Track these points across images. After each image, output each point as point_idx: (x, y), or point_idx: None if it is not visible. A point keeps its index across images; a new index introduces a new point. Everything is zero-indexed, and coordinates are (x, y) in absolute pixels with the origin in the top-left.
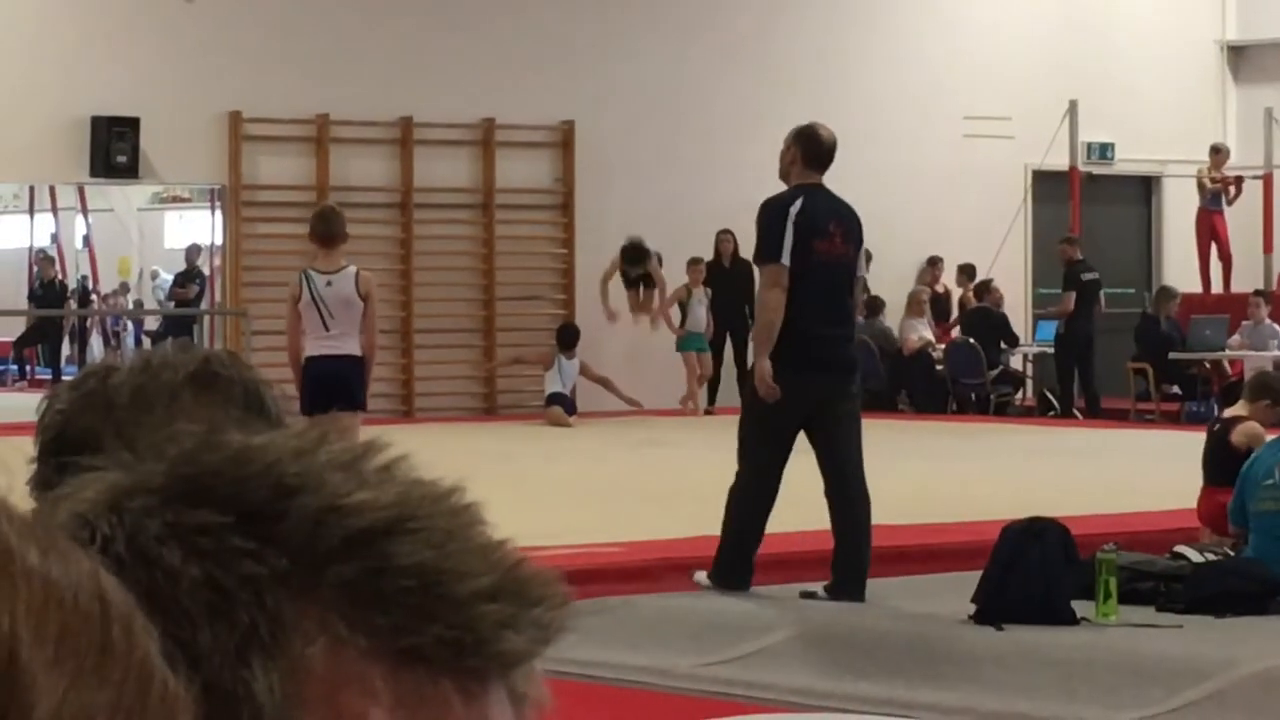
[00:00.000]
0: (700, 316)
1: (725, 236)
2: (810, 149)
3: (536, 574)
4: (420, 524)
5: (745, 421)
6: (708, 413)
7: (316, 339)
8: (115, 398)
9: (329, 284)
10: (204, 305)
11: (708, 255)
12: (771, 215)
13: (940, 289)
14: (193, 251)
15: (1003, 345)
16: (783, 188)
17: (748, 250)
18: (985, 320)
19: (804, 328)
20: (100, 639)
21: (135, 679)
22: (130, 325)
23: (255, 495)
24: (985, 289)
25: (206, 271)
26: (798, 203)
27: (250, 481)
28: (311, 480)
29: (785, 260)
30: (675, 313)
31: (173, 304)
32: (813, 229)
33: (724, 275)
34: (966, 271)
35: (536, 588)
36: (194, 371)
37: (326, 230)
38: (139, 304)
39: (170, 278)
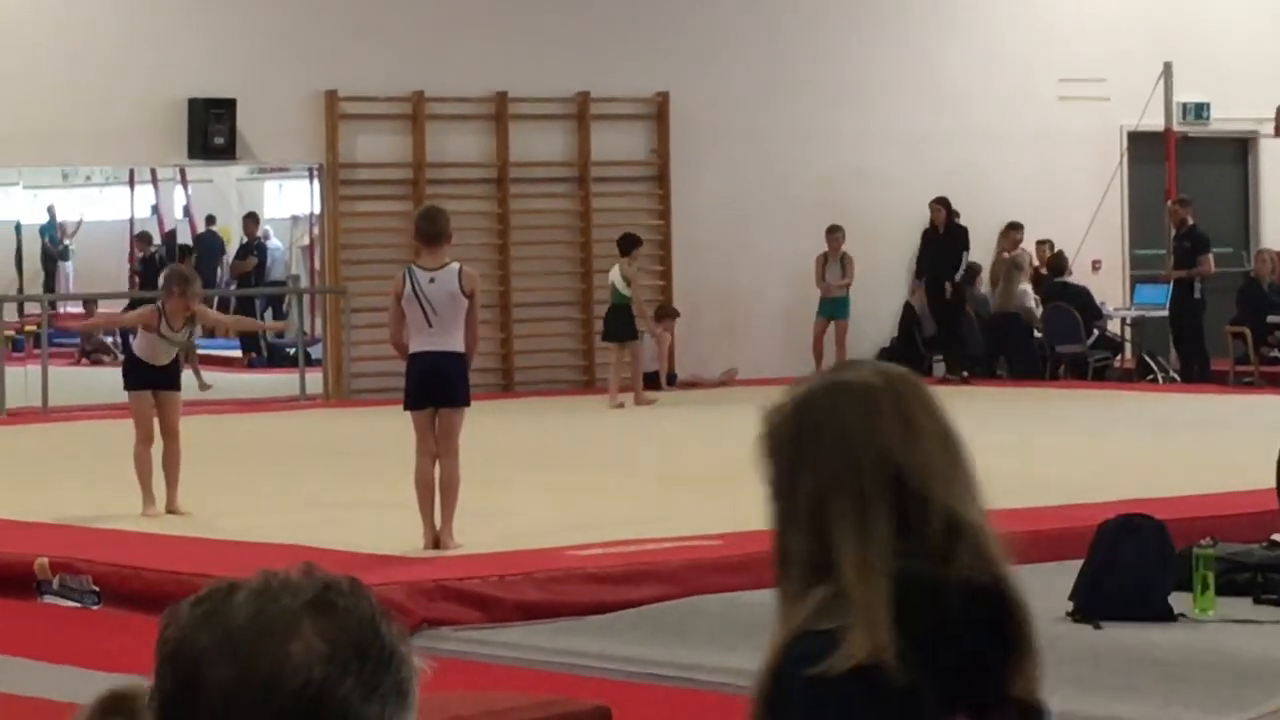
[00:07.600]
0: (833, 282)
1: (937, 206)
2: None
3: None
4: None
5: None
6: None
7: (419, 335)
8: (234, 618)
9: (432, 280)
10: (269, 278)
11: (805, 225)
12: None
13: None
14: (250, 222)
15: (1080, 319)
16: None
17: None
18: (1064, 295)
19: None
20: None
21: None
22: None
23: None
24: (1060, 262)
25: (305, 243)
26: None
27: None
28: None
29: None
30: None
31: (234, 283)
32: None
33: (937, 240)
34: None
35: None
36: (312, 599)
37: (431, 230)
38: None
39: (280, 244)
